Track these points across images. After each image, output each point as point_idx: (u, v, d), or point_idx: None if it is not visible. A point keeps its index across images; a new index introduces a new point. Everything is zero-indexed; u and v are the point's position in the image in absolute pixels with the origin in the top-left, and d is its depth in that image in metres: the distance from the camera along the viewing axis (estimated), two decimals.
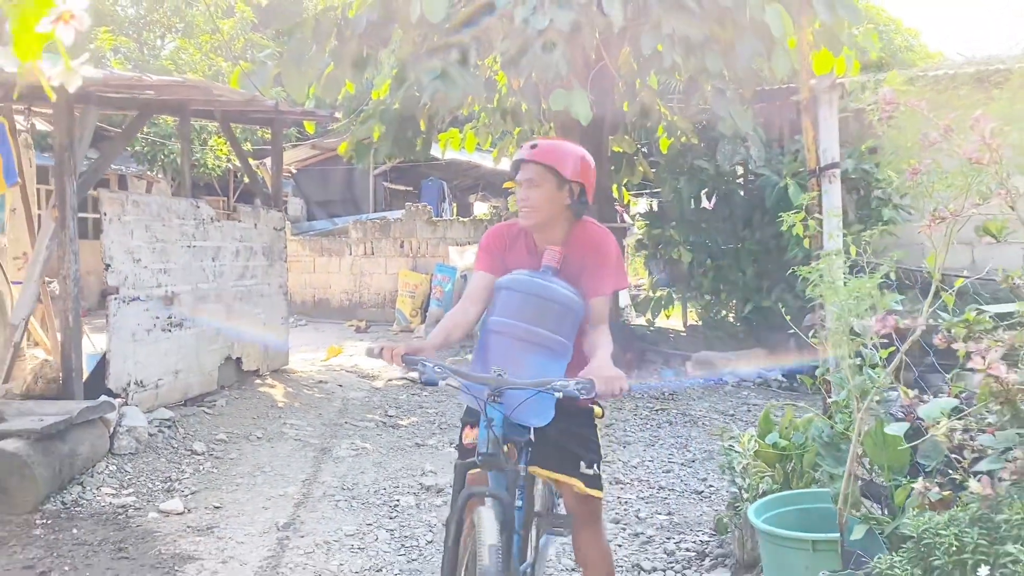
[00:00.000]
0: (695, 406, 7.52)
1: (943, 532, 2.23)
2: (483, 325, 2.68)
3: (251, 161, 8.78)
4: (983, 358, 2.07)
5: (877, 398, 3.01)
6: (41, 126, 8.48)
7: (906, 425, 2.92)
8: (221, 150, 16.57)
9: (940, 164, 2.65)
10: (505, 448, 2.48)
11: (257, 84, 8.06)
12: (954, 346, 2.34)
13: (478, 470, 2.47)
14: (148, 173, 16.43)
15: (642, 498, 5.07)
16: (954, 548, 2.18)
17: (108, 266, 5.48)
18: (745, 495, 3.98)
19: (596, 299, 2.73)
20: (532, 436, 2.62)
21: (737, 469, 4.10)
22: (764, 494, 3.95)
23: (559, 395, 2.37)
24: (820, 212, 4.52)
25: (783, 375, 8.32)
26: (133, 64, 14.97)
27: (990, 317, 2.54)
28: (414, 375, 2.48)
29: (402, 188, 17.86)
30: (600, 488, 2.82)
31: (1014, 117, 2.67)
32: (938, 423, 2.23)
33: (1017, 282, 2.22)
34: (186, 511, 4.68)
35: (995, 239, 2.21)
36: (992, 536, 2.18)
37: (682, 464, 5.77)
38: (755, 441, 4.15)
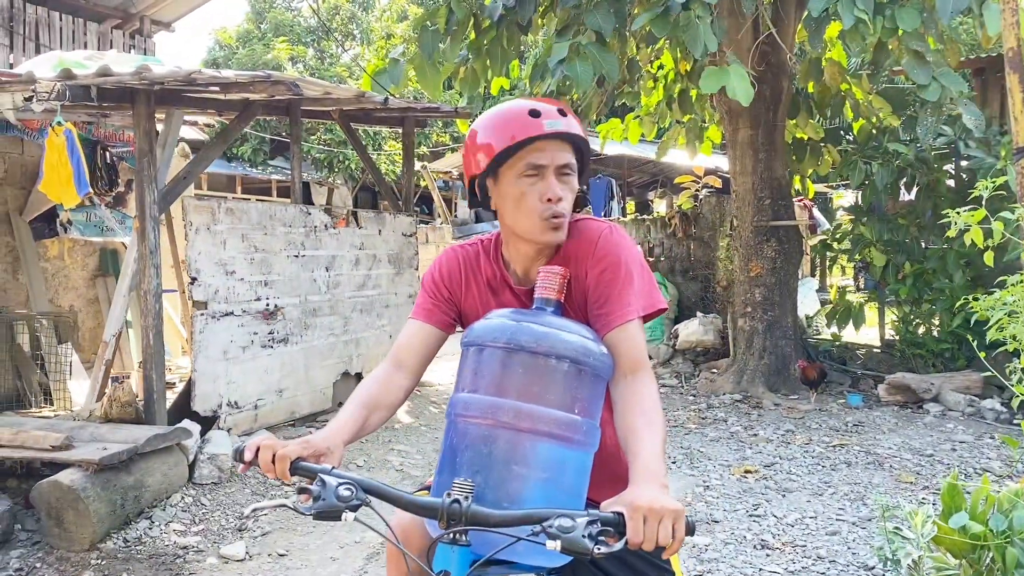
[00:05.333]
0: (883, 442, 6.18)
1: None
2: (449, 408, 1.64)
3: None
4: None
5: None
6: (195, 134, 8.50)
7: None
8: (397, 155, 16.59)
9: None
10: None
11: (387, 83, 7.58)
12: None
13: None
14: (327, 180, 16.77)
15: (791, 572, 3.98)
16: None
17: (194, 279, 5.11)
18: None
19: (617, 331, 1.66)
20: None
21: (904, 564, 2.96)
22: None
23: (555, 546, 1.29)
24: None
25: (1003, 404, 6.74)
26: (310, 73, 15.23)
27: None
28: (305, 498, 1.41)
29: None
30: None
31: None
32: None
33: None
34: (247, 557, 4.16)
35: None
36: None
37: (853, 523, 4.57)
38: (934, 523, 2.99)
